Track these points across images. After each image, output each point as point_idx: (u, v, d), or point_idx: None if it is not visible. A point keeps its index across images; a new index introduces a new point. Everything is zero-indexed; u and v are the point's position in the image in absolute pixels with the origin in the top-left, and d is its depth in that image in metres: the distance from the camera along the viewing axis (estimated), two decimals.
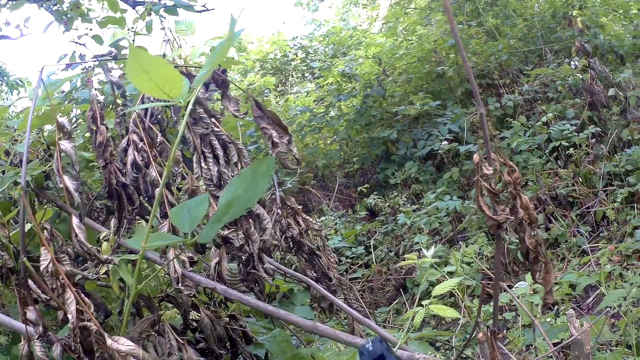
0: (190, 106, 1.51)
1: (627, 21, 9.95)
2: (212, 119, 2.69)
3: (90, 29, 5.32)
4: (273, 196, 3.39)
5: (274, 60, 13.54)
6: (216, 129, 2.69)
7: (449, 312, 2.68)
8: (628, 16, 9.99)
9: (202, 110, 2.65)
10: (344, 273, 5.69)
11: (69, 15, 7.92)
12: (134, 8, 10.68)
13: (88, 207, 3.20)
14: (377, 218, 6.98)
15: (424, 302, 2.61)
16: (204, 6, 10.32)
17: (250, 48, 14.44)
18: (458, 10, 10.62)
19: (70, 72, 3.79)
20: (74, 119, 3.89)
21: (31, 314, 2.30)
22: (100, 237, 2.89)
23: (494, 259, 2.29)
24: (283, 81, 13.42)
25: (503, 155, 2.11)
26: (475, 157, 2.07)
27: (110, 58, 2.81)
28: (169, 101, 1.40)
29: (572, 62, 8.33)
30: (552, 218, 5.80)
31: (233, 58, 12.95)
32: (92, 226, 3.06)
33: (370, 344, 2.16)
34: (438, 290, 2.72)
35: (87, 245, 2.51)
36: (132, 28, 4.60)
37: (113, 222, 2.96)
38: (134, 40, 4.47)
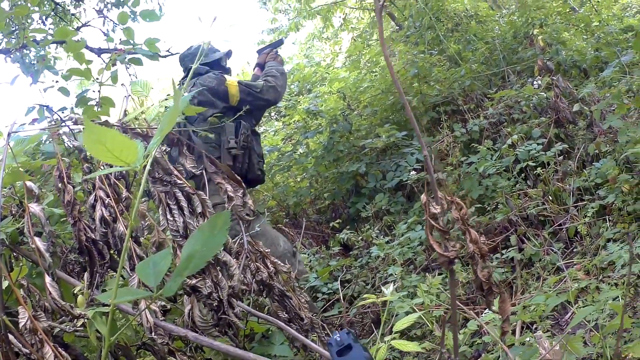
0: (147, 167, 1.63)
1: (589, 35, 10.03)
2: (174, 174, 2.81)
3: (57, 81, 5.40)
4: (242, 241, 3.48)
5: None
6: (179, 182, 2.82)
7: (410, 347, 2.79)
8: (589, 29, 10.07)
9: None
10: (319, 311, 5.71)
11: (35, 69, 8.01)
12: (99, 56, 10.78)
13: (62, 261, 3.29)
14: (351, 252, 6.98)
15: (386, 338, 2.71)
16: (168, 51, 10.46)
17: None
18: (420, 39, 10.73)
19: (38, 126, 3.89)
20: (46, 173, 3.99)
21: None
22: (75, 291, 3.01)
23: (450, 292, 2.39)
24: None
25: (450, 194, 2.25)
26: (423, 197, 2.20)
27: (73, 122, 2.93)
28: (126, 167, 1.52)
29: (534, 82, 8.44)
30: (524, 238, 5.83)
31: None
32: (67, 280, 3.18)
33: (338, 335, 2.31)
34: (399, 325, 2.84)
35: (60, 302, 2.63)
36: (98, 79, 4.67)
37: (86, 276, 3.07)
38: (99, 91, 4.57)
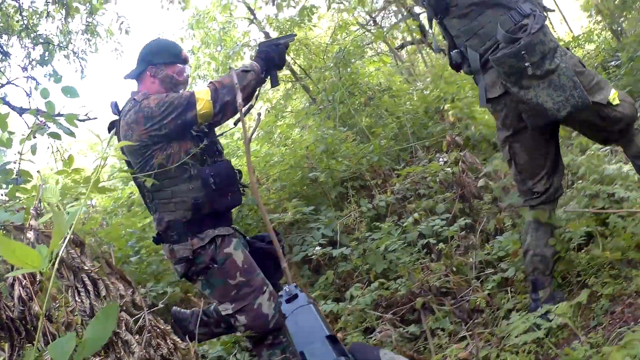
0: (55, 267, 2.15)
1: None
2: (83, 259, 3.30)
3: None
4: (144, 319, 3.87)
5: None
6: (86, 267, 3.31)
7: None
8: None
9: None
10: None
11: None
12: (21, 115, 11.00)
13: None
14: None
15: None
16: (86, 115, 10.79)
17: None
18: (332, 113, 11.24)
19: None
20: None
21: None
22: None
23: None
24: None
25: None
26: None
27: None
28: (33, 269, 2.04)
29: (440, 158, 8.82)
30: (426, 310, 5.94)
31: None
32: None
33: (288, 287, 2.95)
34: None
35: None
36: (19, 152, 4.91)
37: (7, 348, 3.52)
38: (19, 164, 4.90)
